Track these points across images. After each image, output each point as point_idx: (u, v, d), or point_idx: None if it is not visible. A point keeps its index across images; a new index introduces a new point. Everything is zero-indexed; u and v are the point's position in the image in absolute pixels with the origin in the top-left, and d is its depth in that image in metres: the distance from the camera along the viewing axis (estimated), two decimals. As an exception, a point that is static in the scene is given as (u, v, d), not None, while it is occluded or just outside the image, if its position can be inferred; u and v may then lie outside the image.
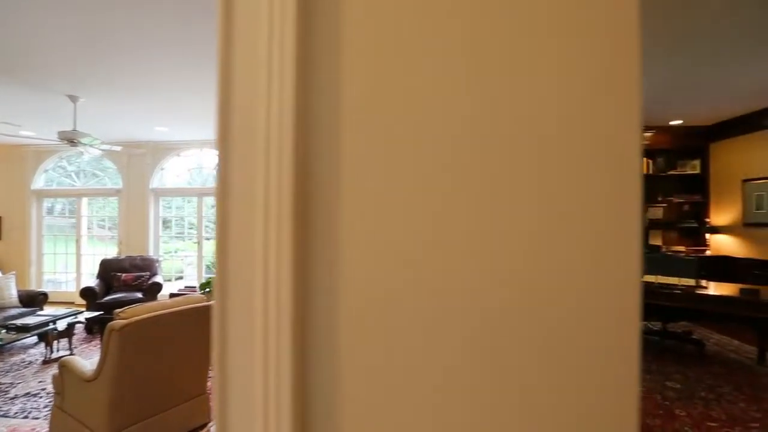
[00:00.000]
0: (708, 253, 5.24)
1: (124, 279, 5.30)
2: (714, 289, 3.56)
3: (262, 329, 0.35)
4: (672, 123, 5.28)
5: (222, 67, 0.38)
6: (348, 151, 0.36)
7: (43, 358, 3.82)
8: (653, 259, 4.47)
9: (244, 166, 0.36)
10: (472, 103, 0.36)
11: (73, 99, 3.91)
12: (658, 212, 5.71)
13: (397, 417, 0.35)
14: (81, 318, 4.32)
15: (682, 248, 5.50)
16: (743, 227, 4.89)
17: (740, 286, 3.55)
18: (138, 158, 6.22)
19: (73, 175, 7.19)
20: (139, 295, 5.00)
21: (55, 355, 3.79)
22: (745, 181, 4.84)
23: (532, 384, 0.35)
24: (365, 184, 0.35)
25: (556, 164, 0.36)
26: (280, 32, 0.35)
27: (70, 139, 3.87)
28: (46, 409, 2.84)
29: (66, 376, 2.33)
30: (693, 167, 5.54)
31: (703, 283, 3.71)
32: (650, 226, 5.61)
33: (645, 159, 5.57)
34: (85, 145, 4.02)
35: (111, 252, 6.46)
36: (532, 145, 0.36)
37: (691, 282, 3.69)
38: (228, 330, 0.36)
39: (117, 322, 2.09)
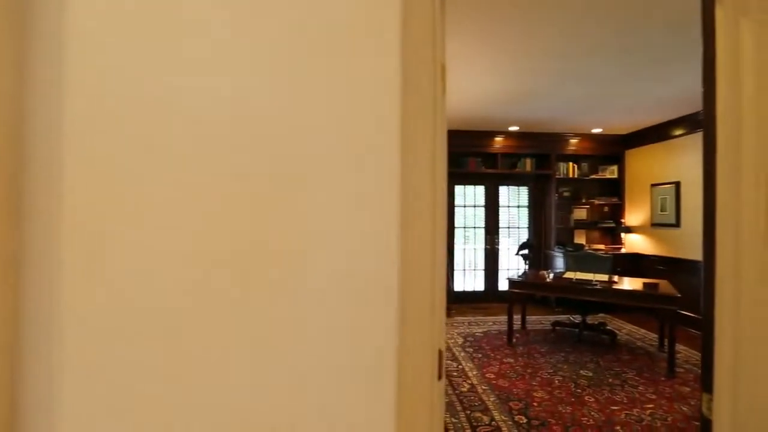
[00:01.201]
0: (623, 250, 5.76)
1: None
2: (624, 283, 3.90)
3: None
4: (593, 131, 5.73)
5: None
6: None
7: None
8: (576, 257, 4.82)
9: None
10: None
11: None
12: (582, 213, 6.18)
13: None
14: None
15: (602, 246, 5.99)
16: (651, 227, 5.43)
17: (644, 280, 3.93)
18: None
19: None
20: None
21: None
22: (653, 185, 5.38)
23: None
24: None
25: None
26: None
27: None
28: None
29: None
30: (612, 172, 6.05)
31: (615, 278, 4.06)
32: (575, 226, 6.05)
33: (571, 164, 6.01)
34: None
35: None
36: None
37: (605, 278, 4.01)
38: None
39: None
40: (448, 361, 3.67)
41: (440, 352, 0.96)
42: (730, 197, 1.04)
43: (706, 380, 1.08)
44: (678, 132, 5.00)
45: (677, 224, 4.97)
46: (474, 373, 3.41)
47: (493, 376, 3.34)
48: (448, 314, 5.35)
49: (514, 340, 4.26)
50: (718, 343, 1.06)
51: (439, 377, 0.97)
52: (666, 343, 3.92)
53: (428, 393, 0.88)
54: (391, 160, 0.37)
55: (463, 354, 3.86)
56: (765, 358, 0.92)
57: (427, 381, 0.87)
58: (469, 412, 2.75)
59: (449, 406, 2.83)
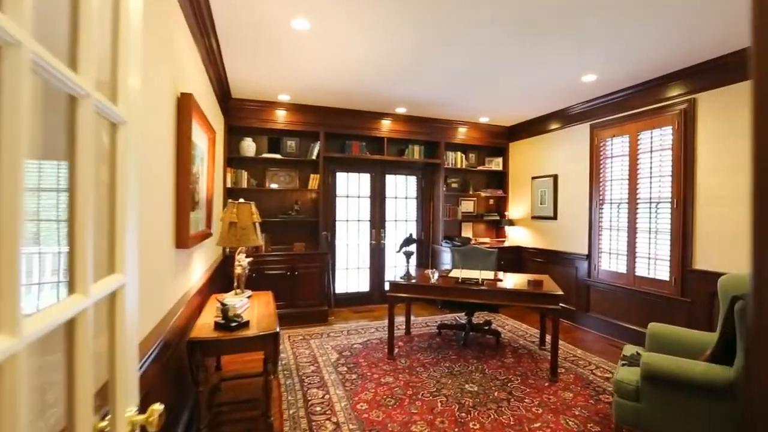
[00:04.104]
0: (506, 243, 5.70)
1: None
2: (509, 279, 3.60)
3: None
4: (481, 120, 5.52)
5: None
6: None
7: None
8: (462, 252, 4.47)
9: None
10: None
11: None
12: (469, 205, 5.99)
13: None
14: None
15: (487, 240, 5.88)
16: (531, 219, 5.43)
17: (528, 277, 3.69)
18: None
19: None
20: None
21: None
22: (534, 178, 5.37)
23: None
24: None
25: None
26: None
27: None
28: None
29: None
30: (497, 164, 5.97)
31: (501, 275, 3.76)
32: (463, 218, 5.83)
33: (460, 153, 5.73)
34: None
35: None
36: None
37: (490, 275, 3.68)
38: None
39: None
40: (314, 390, 2.88)
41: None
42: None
43: None
44: (554, 126, 5.02)
45: (554, 217, 5.01)
46: (343, 404, 2.69)
47: (365, 406, 2.66)
48: (326, 322, 4.57)
49: (396, 350, 3.69)
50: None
51: None
52: (547, 340, 3.76)
53: None
54: None
55: (333, 377, 3.11)
56: None
57: None
58: (325, 474, 1.99)
59: (301, 466, 2.03)
